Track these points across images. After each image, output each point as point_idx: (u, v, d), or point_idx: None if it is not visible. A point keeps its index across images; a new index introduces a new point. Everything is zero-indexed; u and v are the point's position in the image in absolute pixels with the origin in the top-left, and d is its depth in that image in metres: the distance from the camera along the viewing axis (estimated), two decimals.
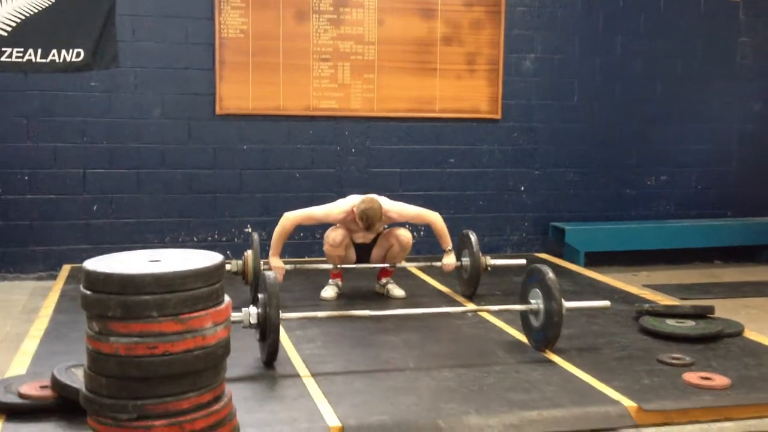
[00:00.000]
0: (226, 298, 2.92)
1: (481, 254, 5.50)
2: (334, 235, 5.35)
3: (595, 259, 7.27)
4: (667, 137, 7.80)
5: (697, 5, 7.69)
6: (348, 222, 5.33)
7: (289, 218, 5.28)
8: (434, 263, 5.70)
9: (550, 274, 4.25)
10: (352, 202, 5.31)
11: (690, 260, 7.77)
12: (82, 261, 6.43)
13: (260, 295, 4.06)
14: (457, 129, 7.32)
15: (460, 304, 5.40)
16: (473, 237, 5.57)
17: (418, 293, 5.71)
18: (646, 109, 7.72)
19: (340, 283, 5.57)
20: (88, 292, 2.70)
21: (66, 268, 6.32)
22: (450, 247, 5.52)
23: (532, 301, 4.34)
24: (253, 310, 4.01)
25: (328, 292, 5.47)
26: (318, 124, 7.01)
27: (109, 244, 6.60)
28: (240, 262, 5.35)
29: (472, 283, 5.54)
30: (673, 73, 7.73)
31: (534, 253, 7.35)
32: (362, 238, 5.43)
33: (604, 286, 6.05)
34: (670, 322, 4.69)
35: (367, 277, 5.85)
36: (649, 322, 4.70)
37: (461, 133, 7.33)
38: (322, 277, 5.71)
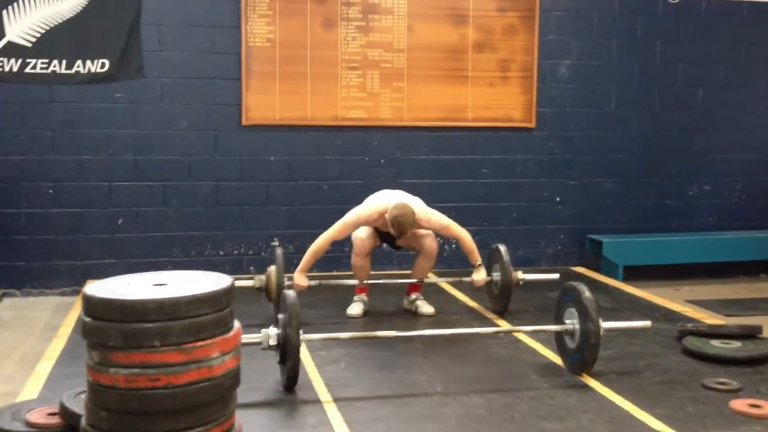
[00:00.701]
0: (236, 324, 2.74)
1: (512, 269, 5.28)
2: (360, 245, 5.17)
3: (634, 273, 6.98)
4: (709, 146, 7.49)
5: (740, 10, 7.37)
6: (379, 224, 5.14)
7: (324, 236, 5.13)
8: (464, 278, 5.49)
9: (587, 293, 4.01)
10: (384, 202, 5.11)
11: (734, 274, 7.44)
12: (106, 276, 6.35)
13: (280, 315, 3.88)
14: (489, 138, 7.09)
15: (491, 322, 5.18)
16: (504, 250, 5.35)
17: (447, 310, 5.50)
18: (687, 116, 7.43)
19: (366, 298, 5.39)
20: (88, 320, 2.55)
21: (90, 284, 6.18)
22: (479, 261, 5.31)
23: (567, 321, 4.11)
24: (272, 331, 3.83)
25: (355, 309, 5.28)
26: (346, 135, 6.83)
27: (134, 259, 6.51)
28: (263, 277, 5.19)
29: (504, 299, 5.32)
30: (714, 79, 7.43)
31: (570, 267, 7.10)
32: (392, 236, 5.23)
33: (644, 302, 5.78)
34: (715, 343, 4.42)
35: (395, 292, 5.65)
36: (692, 343, 4.44)
37: (494, 143, 7.10)
38: (350, 292, 5.52)
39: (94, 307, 2.53)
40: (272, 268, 5.15)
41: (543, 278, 5.61)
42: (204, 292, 2.56)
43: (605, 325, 4.00)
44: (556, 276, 5.63)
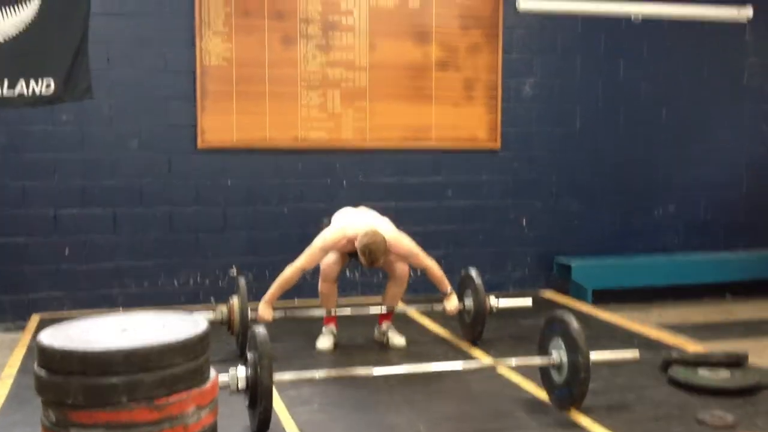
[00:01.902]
0: (212, 374, 2.44)
1: (485, 295, 5.05)
2: (328, 270, 4.89)
3: (602, 296, 6.83)
4: (673, 164, 7.42)
5: (701, 26, 7.33)
6: (348, 249, 4.86)
7: (292, 266, 4.83)
8: (435, 306, 5.24)
9: (575, 324, 3.80)
10: (353, 226, 4.84)
11: (701, 295, 7.33)
12: (53, 309, 5.97)
13: (250, 354, 3.58)
14: (454, 159, 6.90)
15: (466, 354, 4.93)
16: (476, 276, 5.13)
17: (419, 340, 5.25)
18: (652, 134, 7.34)
19: (335, 329, 5.10)
20: (43, 373, 2.22)
21: (35, 318, 5.81)
22: (450, 289, 5.07)
23: (553, 353, 3.89)
24: (241, 373, 3.52)
25: (324, 343, 5.00)
26: (307, 157, 6.56)
27: (83, 290, 6.15)
28: (225, 309, 4.85)
29: (477, 328, 5.09)
30: (678, 96, 7.36)
31: (538, 291, 6.92)
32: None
33: (619, 329, 5.61)
34: (703, 372, 4.24)
35: (363, 321, 5.37)
36: (679, 373, 4.26)
37: (459, 164, 6.91)
38: (316, 323, 5.23)
39: (50, 358, 2.21)
40: (235, 299, 4.83)
41: (516, 304, 5.39)
42: (178, 338, 2.26)
43: (593, 356, 3.79)
44: (530, 302, 5.42)
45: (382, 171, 6.73)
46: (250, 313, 4.76)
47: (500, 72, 6.88)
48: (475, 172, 6.95)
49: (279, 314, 4.93)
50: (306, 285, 6.06)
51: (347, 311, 5.21)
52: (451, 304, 5.07)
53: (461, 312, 5.22)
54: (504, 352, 4.84)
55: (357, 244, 4.68)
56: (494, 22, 6.84)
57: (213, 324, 4.68)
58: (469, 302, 5.15)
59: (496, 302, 5.12)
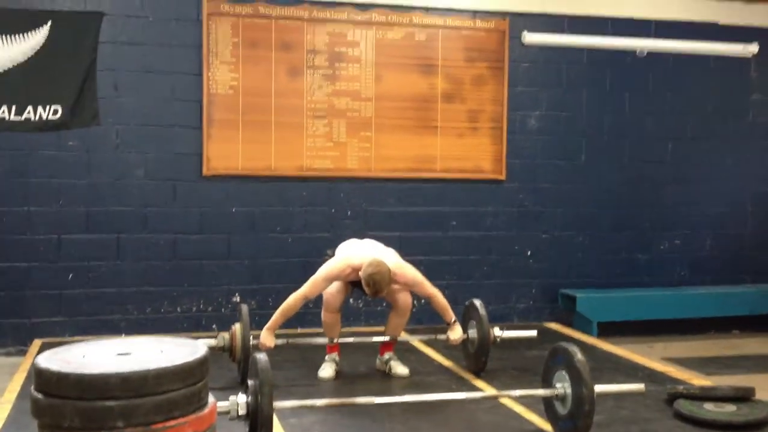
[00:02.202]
0: (210, 399, 2.42)
1: (489, 325, 5.02)
2: (331, 300, 4.87)
3: (607, 329, 6.78)
4: (679, 198, 7.40)
5: (706, 62, 7.35)
6: (351, 278, 4.84)
7: (295, 295, 4.80)
8: (439, 336, 5.20)
9: (579, 355, 3.76)
10: (357, 256, 4.82)
11: (706, 329, 7.29)
12: (55, 335, 5.96)
13: (251, 382, 3.55)
14: (459, 190, 6.89)
15: (470, 384, 4.88)
16: (480, 307, 5.10)
17: (422, 370, 5.21)
18: (657, 169, 7.33)
19: (337, 358, 5.07)
20: (40, 396, 2.20)
21: (37, 344, 5.78)
22: (454, 318, 5.04)
23: (557, 385, 3.85)
24: (241, 399, 3.49)
25: (326, 370, 4.95)
26: (312, 185, 6.57)
27: (85, 316, 6.14)
28: (227, 335, 4.84)
29: (481, 358, 5.04)
30: (684, 131, 7.37)
31: (543, 323, 6.86)
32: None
33: (624, 361, 5.55)
34: (709, 406, 4.19)
35: (366, 350, 5.35)
36: (685, 406, 4.20)
37: (464, 195, 6.90)
38: (319, 351, 5.20)
39: (47, 381, 2.19)
40: (237, 326, 4.81)
41: (521, 335, 5.35)
42: (175, 363, 2.24)
43: (598, 389, 3.75)
44: (534, 333, 5.39)
45: (387, 201, 6.73)
46: (252, 341, 4.74)
47: (506, 104, 6.90)
48: (479, 203, 6.94)
49: (281, 342, 4.91)
50: (309, 314, 6.06)
51: (350, 340, 5.19)
52: (455, 334, 5.04)
53: (465, 342, 5.18)
54: (508, 383, 4.80)
55: (361, 273, 4.66)
56: (500, 55, 6.88)
57: (215, 351, 4.70)
58: (473, 332, 5.12)
59: (500, 333, 5.09)
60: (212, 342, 4.75)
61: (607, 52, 7.11)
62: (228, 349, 4.82)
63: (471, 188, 6.92)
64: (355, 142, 6.60)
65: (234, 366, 4.89)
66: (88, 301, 6.15)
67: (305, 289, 4.79)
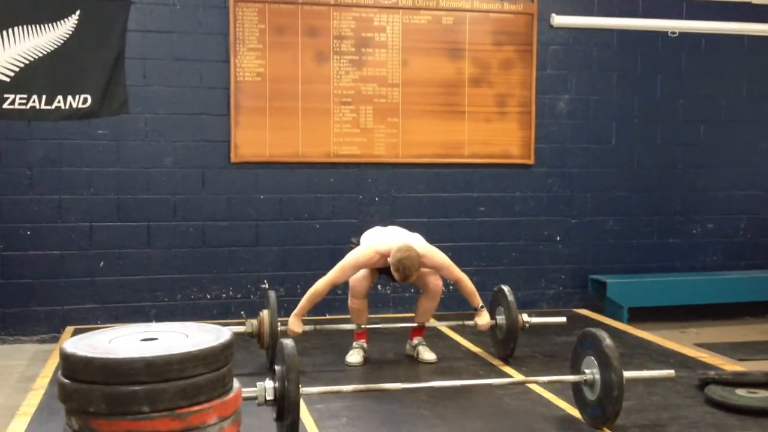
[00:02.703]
0: (235, 384, 2.43)
1: (517, 311, 4.99)
2: (358, 286, 4.87)
3: (638, 315, 6.71)
4: (712, 182, 7.29)
5: (740, 43, 7.22)
6: (380, 265, 4.84)
7: (323, 280, 4.80)
8: (466, 322, 5.18)
9: (608, 341, 3.72)
10: (385, 242, 4.81)
11: (740, 315, 7.19)
12: (87, 322, 6.02)
13: (277, 367, 3.56)
14: (487, 175, 6.85)
15: (498, 370, 4.86)
16: (508, 292, 5.06)
17: (449, 356, 5.19)
18: (690, 152, 7.22)
19: (365, 345, 5.07)
20: (67, 381, 2.22)
21: (69, 330, 5.84)
22: (481, 304, 5.02)
23: (586, 370, 3.81)
24: (269, 385, 3.50)
25: (354, 357, 4.96)
26: (339, 172, 6.56)
27: (116, 303, 6.20)
28: (255, 322, 4.86)
29: (509, 344, 5.02)
30: (717, 114, 7.24)
31: (573, 309, 6.82)
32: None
33: (655, 347, 5.49)
34: (741, 392, 4.13)
35: (394, 337, 5.36)
36: (716, 392, 4.15)
37: (492, 180, 6.86)
38: (347, 337, 5.21)
39: (73, 366, 2.21)
40: (265, 313, 4.83)
41: (550, 321, 5.32)
42: (199, 348, 2.25)
43: (627, 374, 3.71)
44: (563, 319, 5.35)
45: (415, 187, 6.71)
46: (279, 327, 4.75)
47: (534, 88, 6.83)
48: (508, 189, 6.89)
49: (309, 328, 4.93)
50: (337, 300, 6.08)
51: (378, 326, 5.19)
52: (483, 320, 5.02)
53: (493, 328, 5.15)
54: (536, 369, 4.79)
55: (390, 259, 4.65)
56: (528, 38, 6.81)
57: (244, 337, 4.72)
58: (501, 319, 5.09)
59: (528, 319, 5.05)
60: (241, 328, 4.78)
61: (638, 33, 7.00)
62: (256, 336, 4.84)
63: (499, 173, 6.87)
64: (382, 128, 6.58)
65: (263, 352, 4.91)
66: (119, 288, 6.21)
67: (332, 275, 4.80)
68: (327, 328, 5.21)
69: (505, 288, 5.12)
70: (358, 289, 4.91)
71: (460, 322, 5.29)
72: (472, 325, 5.07)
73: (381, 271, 4.98)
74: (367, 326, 5.07)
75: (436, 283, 4.98)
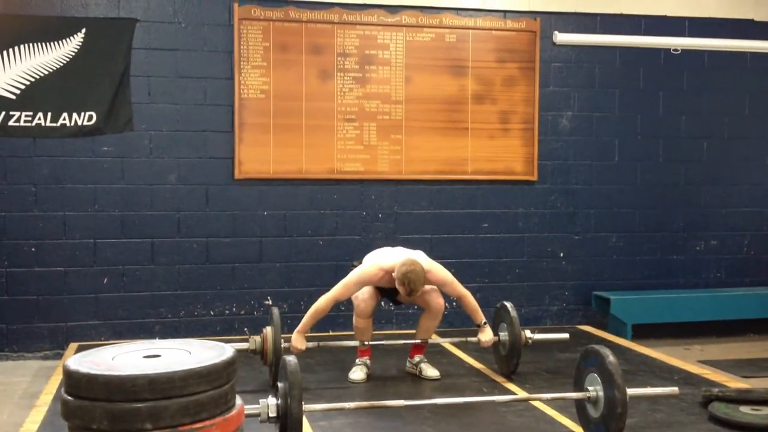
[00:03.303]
0: (238, 401, 2.43)
1: (520, 328, 4.99)
2: (363, 306, 4.88)
3: (642, 331, 6.70)
4: (715, 199, 7.29)
5: (743, 60, 7.24)
6: (383, 282, 4.85)
7: (326, 297, 4.81)
8: (469, 339, 5.18)
9: (611, 358, 3.72)
10: (389, 259, 4.83)
11: (744, 332, 7.17)
12: (91, 338, 6.03)
13: (280, 384, 3.57)
14: (490, 191, 6.86)
15: (501, 387, 4.86)
16: (511, 308, 5.06)
17: (453, 373, 5.19)
18: (693, 169, 7.23)
19: (368, 361, 5.07)
20: (70, 398, 2.23)
21: (73, 347, 5.85)
22: (484, 320, 5.02)
23: (589, 387, 3.81)
24: (272, 402, 3.51)
25: (357, 373, 4.96)
26: (343, 188, 6.58)
27: (120, 320, 6.21)
28: (258, 339, 4.86)
29: (512, 360, 5.01)
30: (720, 131, 7.26)
31: (576, 326, 6.81)
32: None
33: (659, 364, 5.48)
34: (745, 409, 4.13)
35: (397, 354, 5.36)
36: (720, 409, 4.14)
37: (495, 196, 6.87)
38: (350, 354, 5.21)
39: (76, 383, 2.22)
40: (268, 329, 4.83)
41: (553, 338, 5.32)
42: (202, 365, 2.26)
43: (630, 392, 3.71)
44: (566, 336, 5.36)
45: (418, 203, 6.72)
46: (283, 344, 4.75)
47: (537, 105, 6.86)
48: (511, 205, 6.91)
49: (312, 344, 4.92)
50: (340, 317, 6.10)
51: (381, 342, 5.19)
52: (486, 336, 5.02)
53: (496, 345, 5.16)
54: (539, 386, 4.78)
55: (395, 273, 4.66)
56: (531, 55, 6.84)
57: (247, 354, 4.73)
58: (504, 335, 5.09)
59: (531, 335, 5.05)
60: (244, 345, 4.78)
61: (640, 50, 7.03)
62: (260, 352, 4.84)
63: (502, 190, 6.88)
64: (385, 145, 6.60)
65: (266, 369, 4.91)
66: (123, 304, 6.22)
67: (336, 291, 4.80)
68: (330, 345, 5.21)
69: (508, 304, 5.13)
70: (363, 309, 4.91)
71: (463, 339, 5.29)
72: (476, 342, 5.07)
73: (384, 292, 4.99)
74: (371, 342, 5.07)
75: (438, 301, 4.99)
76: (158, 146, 6.27)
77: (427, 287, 4.91)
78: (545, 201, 6.97)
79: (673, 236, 7.23)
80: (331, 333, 6.31)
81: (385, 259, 4.85)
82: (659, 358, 5.65)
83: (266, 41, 6.37)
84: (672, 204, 7.21)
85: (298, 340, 4.80)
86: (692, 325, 6.97)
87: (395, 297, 5.01)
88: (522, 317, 6.69)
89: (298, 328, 4.83)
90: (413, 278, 4.59)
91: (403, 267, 4.62)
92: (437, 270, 4.89)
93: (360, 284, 4.84)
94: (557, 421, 4.16)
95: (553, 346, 5.59)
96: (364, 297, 4.89)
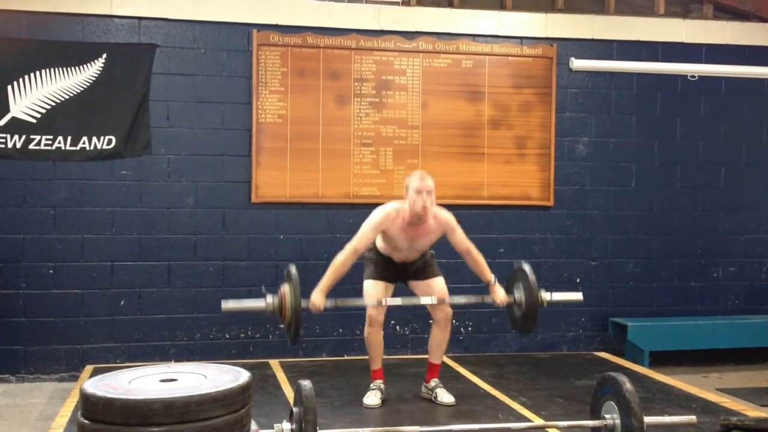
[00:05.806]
0: (253, 426, 2.43)
1: (537, 288, 4.79)
2: (375, 315, 4.90)
3: (659, 359, 6.65)
4: (733, 226, 7.24)
5: (761, 87, 7.23)
6: (398, 224, 4.82)
7: (345, 249, 4.76)
8: (485, 297, 4.97)
9: (628, 385, 3.69)
10: (392, 204, 4.90)
11: (763, 359, 7.08)
12: (106, 360, 6.05)
13: (295, 409, 3.56)
14: (506, 217, 6.85)
15: (518, 414, 4.82)
16: (529, 270, 4.89)
17: (468, 398, 5.16)
18: (710, 195, 7.20)
19: (382, 386, 5.05)
20: (86, 421, 2.24)
21: (89, 369, 5.87)
22: (493, 278, 4.94)
23: (606, 415, 3.78)
24: (286, 427, 3.49)
25: (372, 398, 4.94)
26: (359, 212, 6.54)
27: (136, 342, 6.23)
28: (276, 299, 4.53)
29: (529, 321, 4.82)
30: (737, 157, 7.23)
31: (593, 352, 6.76)
32: (403, 255, 4.98)
33: (677, 392, 5.43)
34: None
35: (412, 378, 5.34)
36: None
37: (511, 222, 6.86)
38: (364, 378, 5.19)
39: (92, 407, 2.23)
40: (286, 287, 4.53)
41: (569, 298, 5.13)
42: (218, 390, 2.26)
43: (647, 420, 3.67)
44: (580, 296, 5.14)
45: None
46: (302, 304, 4.47)
47: (553, 130, 6.86)
48: (527, 230, 6.90)
49: (330, 303, 4.69)
50: (354, 341, 6.09)
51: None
52: (499, 295, 4.87)
53: (511, 306, 4.95)
54: (555, 413, 4.74)
55: (407, 179, 4.82)
56: (547, 81, 6.85)
57: (265, 313, 4.54)
58: (519, 295, 4.88)
59: (548, 296, 4.83)
60: (262, 304, 4.53)
61: (657, 77, 7.04)
62: (278, 312, 4.53)
63: (518, 215, 6.88)
64: (401, 170, 6.61)
65: (281, 393, 4.89)
66: (139, 327, 6.24)
67: (354, 242, 4.79)
68: (346, 304, 4.89)
69: (526, 266, 4.93)
70: (374, 316, 4.90)
71: (480, 298, 5.04)
72: (491, 302, 4.94)
73: (394, 271, 5.00)
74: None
75: (444, 309, 5.00)
76: (176, 170, 6.31)
77: (432, 283, 4.97)
78: (562, 226, 6.95)
79: (690, 262, 7.18)
80: (345, 357, 6.30)
81: (390, 205, 4.91)
82: (677, 386, 5.60)
83: (284, 66, 6.42)
84: (690, 230, 7.17)
85: (318, 298, 4.65)
86: (710, 352, 6.90)
87: (408, 268, 5.03)
88: (538, 342, 6.74)
89: (319, 286, 4.70)
90: (425, 174, 4.77)
91: (414, 174, 4.82)
92: (445, 211, 4.96)
93: (377, 228, 4.83)
94: None
95: (571, 373, 5.54)
96: (375, 293, 4.91)
